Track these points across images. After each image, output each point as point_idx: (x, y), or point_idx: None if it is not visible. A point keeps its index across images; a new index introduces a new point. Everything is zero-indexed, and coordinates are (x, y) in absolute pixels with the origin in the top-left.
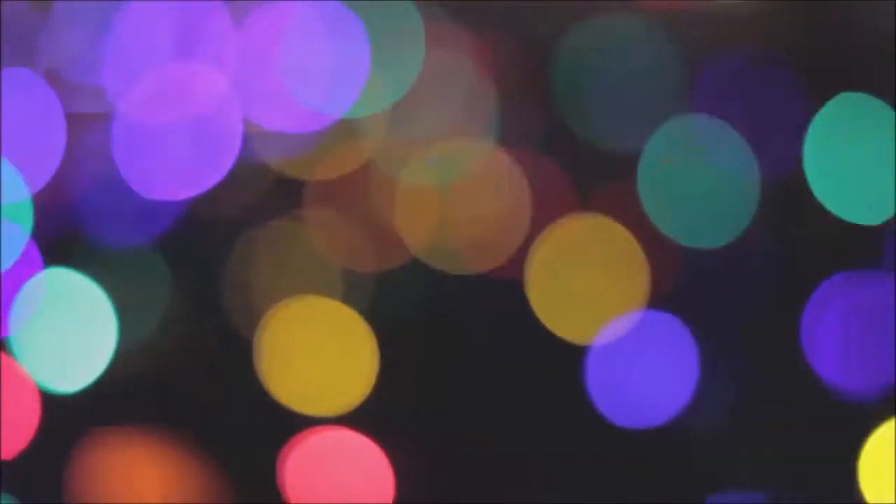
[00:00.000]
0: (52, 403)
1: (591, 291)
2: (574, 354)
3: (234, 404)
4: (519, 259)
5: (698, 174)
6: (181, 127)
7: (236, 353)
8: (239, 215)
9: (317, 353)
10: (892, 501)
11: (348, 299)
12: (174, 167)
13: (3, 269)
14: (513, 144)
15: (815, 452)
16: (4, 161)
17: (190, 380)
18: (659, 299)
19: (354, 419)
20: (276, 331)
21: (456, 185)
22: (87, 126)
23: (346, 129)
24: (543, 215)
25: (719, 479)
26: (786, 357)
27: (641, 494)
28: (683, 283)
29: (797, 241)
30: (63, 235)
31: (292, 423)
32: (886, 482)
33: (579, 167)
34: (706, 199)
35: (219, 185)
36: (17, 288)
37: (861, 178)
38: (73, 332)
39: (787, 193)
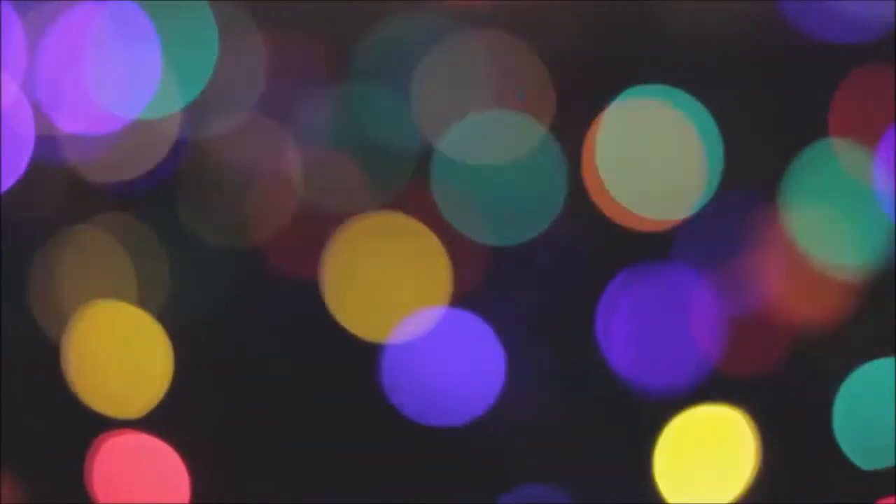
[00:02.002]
0: None
1: (387, 290)
2: (372, 353)
3: (40, 406)
4: (315, 257)
5: (499, 170)
6: None
7: (42, 356)
8: (37, 218)
9: (114, 355)
10: (686, 495)
11: (143, 302)
12: None
13: None
14: (308, 143)
15: (613, 448)
16: None
17: None
18: (461, 297)
19: (150, 421)
20: (78, 334)
21: (252, 185)
22: None
23: (141, 130)
24: (339, 213)
25: (517, 477)
26: (584, 353)
27: (440, 493)
28: (485, 281)
29: (595, 237)
30: None
31: (98, 425)
32: (680, 476)
33: (377, 165)
34: (507, 195)
35: (15, 188)
36: None
37: (657, 174)
38: None
39: (586, 189)
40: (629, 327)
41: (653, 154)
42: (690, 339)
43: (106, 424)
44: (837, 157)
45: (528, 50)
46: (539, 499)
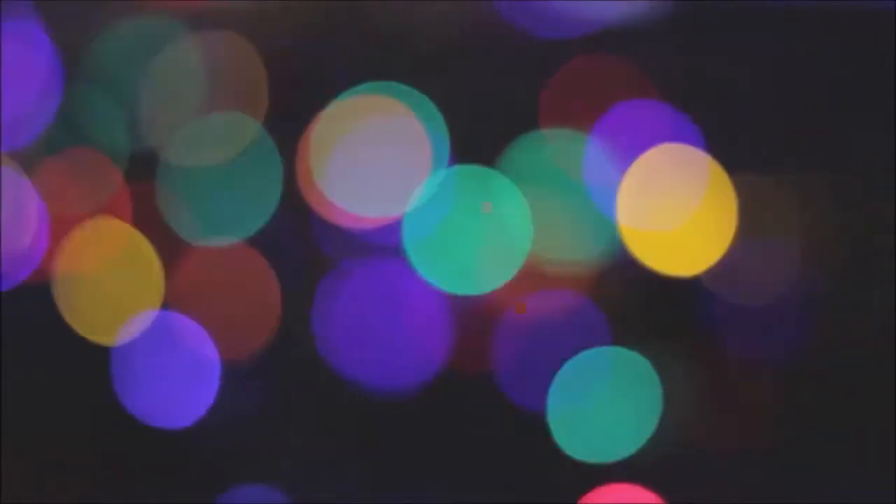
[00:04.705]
0: None
1: (109, 293)
2: (103, 355)
3: None
4: (46, 263)
5: (218, 171)
6: None
7: None
8: None
9: None
10: None
11: None
12: None
13: None
14: (29, 147)
15: (332, 447)
16: None
17: None
18: (176, 299)
19: None
20: None
21: None
22: None
23: None
24: (63, 220)
25: (235, 477)
26: (304, 352)
27: (159, 493)
28: (200, 282)
29: (310, 235)
30: None
31: None
32: None
33: (94, 170)
34: (226, 194)
35: None
36: None
37: (375, 172)
38: None
39: (304, 185)
40: (347, 325)
41: (371, 151)
42: (413, 337)
43: None
44: (548, 149)
45: (247, 50)
46: (256, 499)
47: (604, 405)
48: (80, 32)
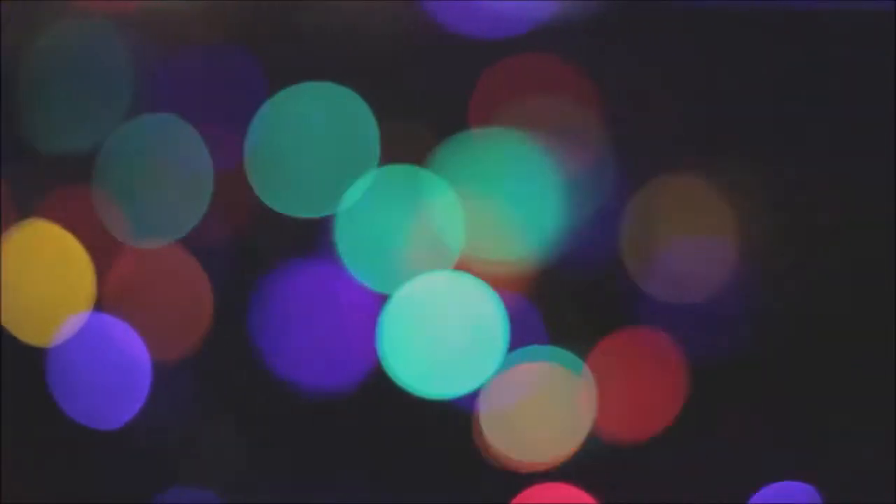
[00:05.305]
0: None
1: (44, 295)
2: (38, 356)
3: None
4: None
5: (150, 172)
6: None
7: None
8: None
9: None
10: None
11: None
12: None
13: None
14: None
15: (265, 447)
16: None
17: None
18: (109, 301)
19: None
20: None
21: None
22: None
23: None
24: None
25: (170, 477)
26: (238, 352)
27: (96, 494)
28: (133, 284)
29: (244, 234)
30: None
31: None
32: None
33: (28, 173)
34: (156, 196)
35: None
36: None
37: (302, 172)
38: None
39: (235, 186)
40: (281, 325)
41: (303, 151)
42: (346, 337)
43: None
44: (479, 149)
45: (179, 51)
46: (190, 499)
47: (538, 405)
48: (12, 33)
